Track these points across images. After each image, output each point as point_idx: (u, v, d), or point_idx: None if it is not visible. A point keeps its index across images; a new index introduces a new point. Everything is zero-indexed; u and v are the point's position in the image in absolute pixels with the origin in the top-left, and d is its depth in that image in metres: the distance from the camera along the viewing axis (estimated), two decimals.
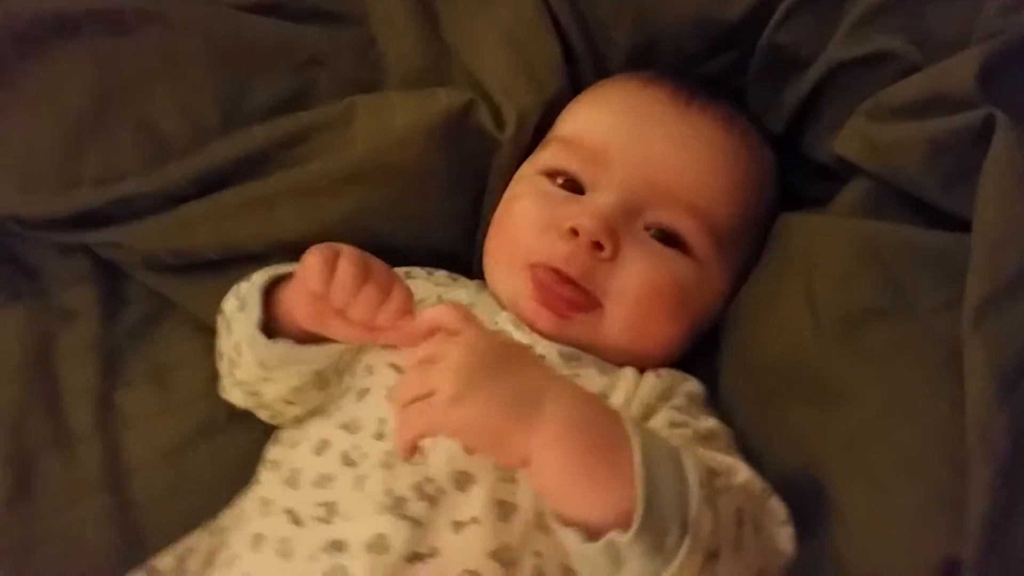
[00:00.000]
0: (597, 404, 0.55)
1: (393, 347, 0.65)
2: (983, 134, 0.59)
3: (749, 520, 0.55)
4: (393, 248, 0.73)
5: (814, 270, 0.67)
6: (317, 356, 0.66)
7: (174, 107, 0.79)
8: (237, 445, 0.75)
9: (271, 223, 0.77)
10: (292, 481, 0.65)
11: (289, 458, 0.68)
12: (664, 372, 0.68)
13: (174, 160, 0.78)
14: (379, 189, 0.78)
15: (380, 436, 0.64)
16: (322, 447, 0.65)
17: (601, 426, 0.52)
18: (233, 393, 0.72)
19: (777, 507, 0.58)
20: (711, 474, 0.54)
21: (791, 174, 0.79)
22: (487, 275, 0.75)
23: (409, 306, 0.61)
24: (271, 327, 0.66)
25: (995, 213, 0.57)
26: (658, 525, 0.49)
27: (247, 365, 0.67)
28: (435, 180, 0.79)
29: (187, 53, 0.80)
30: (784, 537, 0.58)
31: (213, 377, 0.75)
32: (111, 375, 0.78)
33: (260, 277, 0.68)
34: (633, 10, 0.81)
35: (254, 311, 0.65)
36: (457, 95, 0.79)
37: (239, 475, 0.72)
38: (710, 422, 0.65)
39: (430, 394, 0.53)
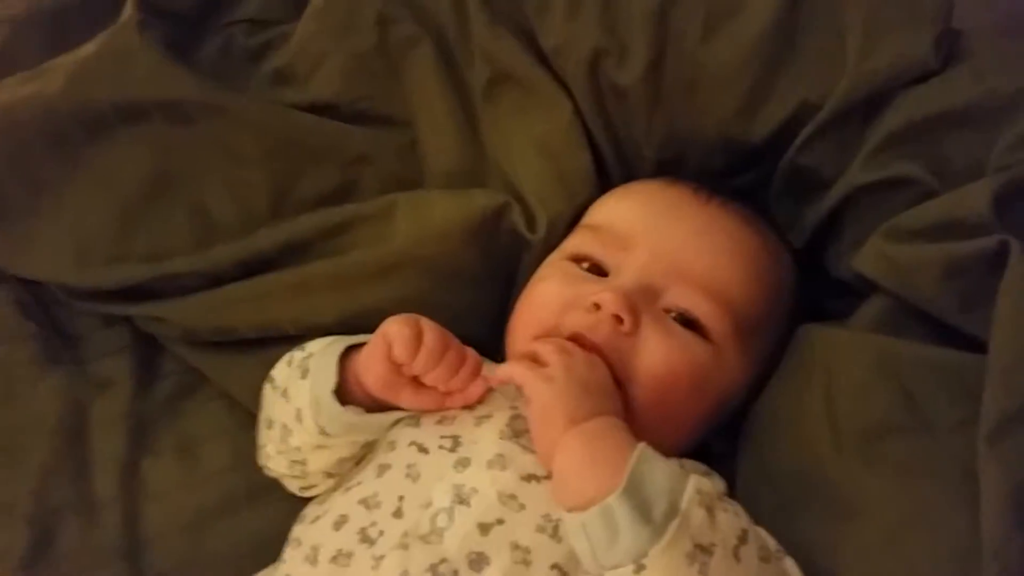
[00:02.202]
0: (628, 433, 0.62)
1: (417, 426, 0.70)
2: (998, 259, 0.62)
3: (755, 546, 0.58)
4: None
5: (833, 382, 0.69)
6: (378, 425, 0.70)
7: (226, 194, 0.84)
8: (255, 523, 0.77)
9: (308, 307, 0.80)
10: (312, 558, 0.66)
11: (309, 534, 0.69)
12: (688, 463, 0.70)
13: (222, 243, 0.82)
14: (414, 281, 0.81)
15: (398, 514, 0.65)
16: (340, 522, 0.67)
17: (624, 440, 0.61)
18: (277, 461, 0.74)
19: (792, 567, 0.60)
20: (720, 497, 0.58)
21: (812, 289, 0.81)
22: (508, 354, 0.77)
23: (479, 369, 0.69)
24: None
25: (1010, 336, 0.59)
26: (643, 495, 0.56)
27: (307, 432, 0.70)
28: (468, 275, 0.82)
29: (243, 145, 0.85)
30: None
31: (238, 453, 0.78)
32: (140, 445, 0.81)
33: (331, 347, 0.71)
34: (663, 130, 0.85)
35: (329, 377, 0.69)
36: (493, 196, 0.83)
37: (254, 553, 0.73)
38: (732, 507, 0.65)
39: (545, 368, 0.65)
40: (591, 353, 0.68)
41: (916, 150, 0.73)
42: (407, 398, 0.69)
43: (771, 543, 0.62)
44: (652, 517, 0.55)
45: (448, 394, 0.69)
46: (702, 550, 0.55)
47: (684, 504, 0.56)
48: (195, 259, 0.82)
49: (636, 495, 0.56)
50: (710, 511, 0.57)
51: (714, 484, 0.69)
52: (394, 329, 0.67)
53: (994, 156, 0.68)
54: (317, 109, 0.88)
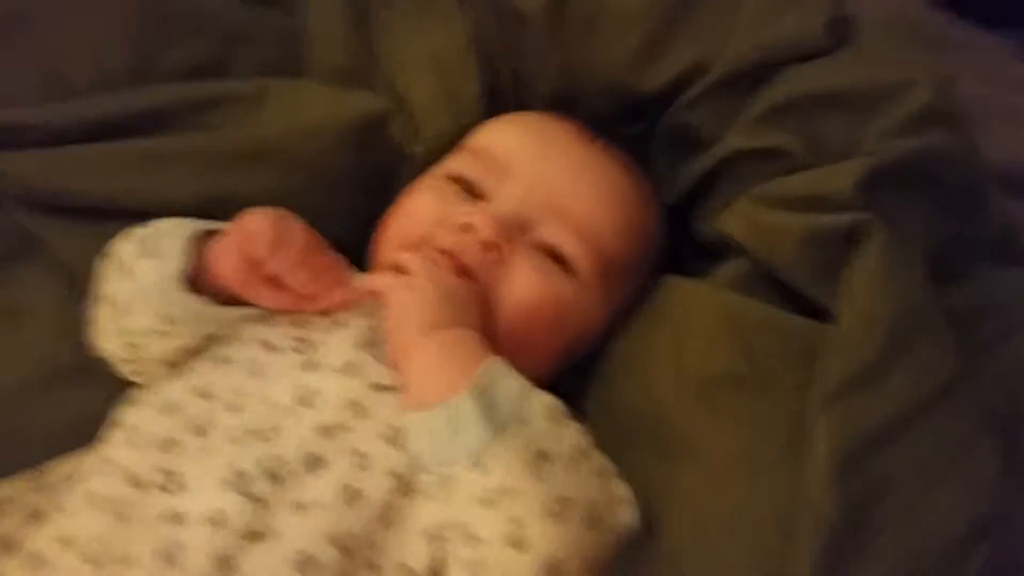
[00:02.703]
0: (485, 349, 0.62)
1: (268, 322, 0.67)
2: (854, 235, 0.65)
3: (594, 462, 0.60)
4: None
5: (684, 331, 0.70)
6: (226, 318, 0.66)
7: (85, 48, 0.78)
8: (78, 400, 0.72)
9: (161, 182, 0.75)
10: (135, 442, 0.62)
11: (133, 417, 0.65)
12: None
13: (73, 99, 0.76)
14: (281, 174, 0.77)
15: (234, 407, 0.63)
16: (170, 409, 0.63)
17: (479, 351, 0.62)
18: (109, 341, 0.69)
19: (623, 488, 0.62)
20: (562, 413, 0.60)
21: (676, 247, 0.83)
22: (372, 264, 0.75)
23: (345, 276, 0.66)
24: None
25: (855, 309, 0.62)
26: (491, 397, 0.58)
27: (145, 315, 0.65)
28: (338, 178, 0.79)
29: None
30: (625, 511, 0.61)
31: (66, 325, 0.72)
32: None
33: (181, 228, 0.67)
34: (557, 67, 0.85)
35: (174, 261, 0.64)
36: (375, 101, 0.80)
37: (76, 432, 0.68)
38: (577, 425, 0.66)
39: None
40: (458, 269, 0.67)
41: (794, 124, 0.75)
42: (262, 295, 0.66)
43: (610, 466, 0.63)
44: (496, 416, 0.57)
45: (307, 297, 0.66)
46: (542, 456, 0.57)
47: (530, 411, 0.58)
48: (41, 111, 0.75)
49: (483, 396, 0.58)
50: (555, 423, 0.59)
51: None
52: (256, 223, 0.64)
53: (865, 140, 0.71)
54: None
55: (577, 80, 0.85)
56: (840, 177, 0.68)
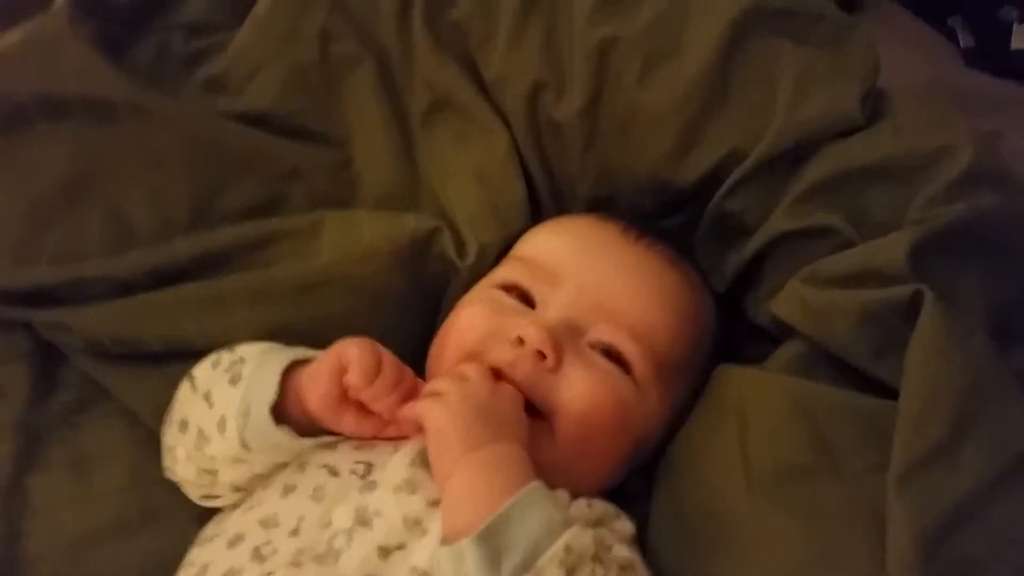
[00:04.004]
0: (525, 467, 0.61)
1: (334, 448, 0.68)
2: (911, 308, 0.64)
3: None
4: None
5: (747, 423, 0.69)
6: (303, 448, 0.67)
7: (146, 199, 0.81)
8: (146, 547, 0.73)
9: (223, 323, 0.77)
10: None
11: (202, 554, 0.66)
12: (597, 503, 0.69)
13: (137, 249, 0.79)
14: (337, 300, 0.79)
15: (295, 532, 0.63)
16: (235, 541, 0.64)
17: (516, 474, 0.60)
18: (185, 467, 0.71)
19: None
20: (594, 558, 0.57)
21: (730, 334, 0.82)
22: (427, 379, 0.75)
23: None
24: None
25: (920, 385, 0.61)
26: (500, 543, 0.55)
27: (228, 443, 0.67)
28: (393, 298, 0.81)
29: (167, 150, 0.82)
30: None
31: (134, 473, 0.75)
32: (28, 459, 0.76)
33: (270, 356, 0.69)
34: (596, 167, 0.86)
35: (269, 390, 0.66)
36: (424, 220, 0.83)
37: None
38: (631, 554, 0.65)
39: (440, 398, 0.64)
40: (497, 381, 0.67)
41: (837, 201, 0.75)
42: (348, 423, 0.67)
43: None
44: (500, 569, 0.54)
45: (390, 422, 0.67)
46: None
47: (542, 561, 0.55)
48: (107, 264, 0.78)
49: (491, 542, 0.55)
50: (571, 572, 0.55)
51: (622, 526, 0.68)
52: (354, 353, 0.65)
53: (911, 210, 0.70)
54: (250, 120, 0.86)
55: (615, 180, 0.86)
56: (889, 250, 0.67)
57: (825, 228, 0.75)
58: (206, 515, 0.73)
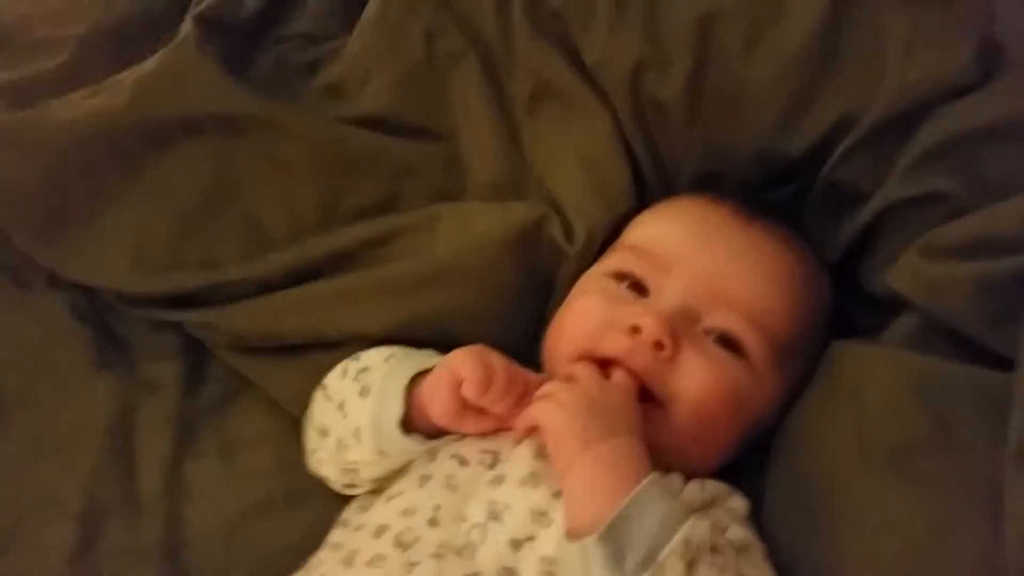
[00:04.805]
0: (640, 460, 0.63)
1: (461, 439, 0.72)
2: None
3: None
4: (463, 346, 0.77)
5: (863, 398, 0.69)
6: (432, 446, 0.72)
7: (278, 205, 0.88)
8: (293, 526, 0.79)
9: (354, 316, 0.83)
10: (348, 561, 0.68)
11: (349, 540, 0.71)
12: (710, 483, 0.70)
13: (272, 252, 0.86)
14: (456, 291, 0.83)
15: (434, 523, 0.67)
16: (381, 531, 0.69)
17: (633, 468, 0.62)
18: (328, 468, 0.77)
19: None
20: (713, 548, 0.59)
21: (845, 303, 0.81)
22: (547, 370, 0.78)
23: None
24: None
25: None
26: (623, 541, 0.57)
27: (364, 450, 0.73)
28: (507, 286, 0.84)
29: (293, 157, 0.88)
30: None
31: (279, 456, 0.81)
32: (184, 447, 0.84)
33: (394, 372, 0.74)
34: (702, 143, 0.86)
35: (395, 406, 0.71)
36: (533, 209, 0.85)
37: (292, 555, 0.74)
38: (746, 533, 0.66)
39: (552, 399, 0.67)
40: (607, 375, 0.69)
41: (953, 165, 0.73)
42: (469, 425, 0.71)
43: None
44: (624, 565, 0.57)
45: (508, 420, 0.71)
46: None
47: (663, 555, 0.57)
48: (246, 267, 0.85)
49: (615, 539, 0.57)
50: (691, 564, 0.57)
51: (736, 504, 0.69)
52: (466, 368, 0.69)
53: None
54: (366, 123, 0.91)
55: (721, 155, 0.86)
56: (1007, 217, 0.66)
57: (940, 194, 0.73)
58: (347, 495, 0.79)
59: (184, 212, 0.87)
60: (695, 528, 0.59)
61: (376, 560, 0.66)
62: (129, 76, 0.89)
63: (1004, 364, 0.63)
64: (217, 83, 0.88)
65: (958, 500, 0.61)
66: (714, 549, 0.60)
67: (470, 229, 0.85)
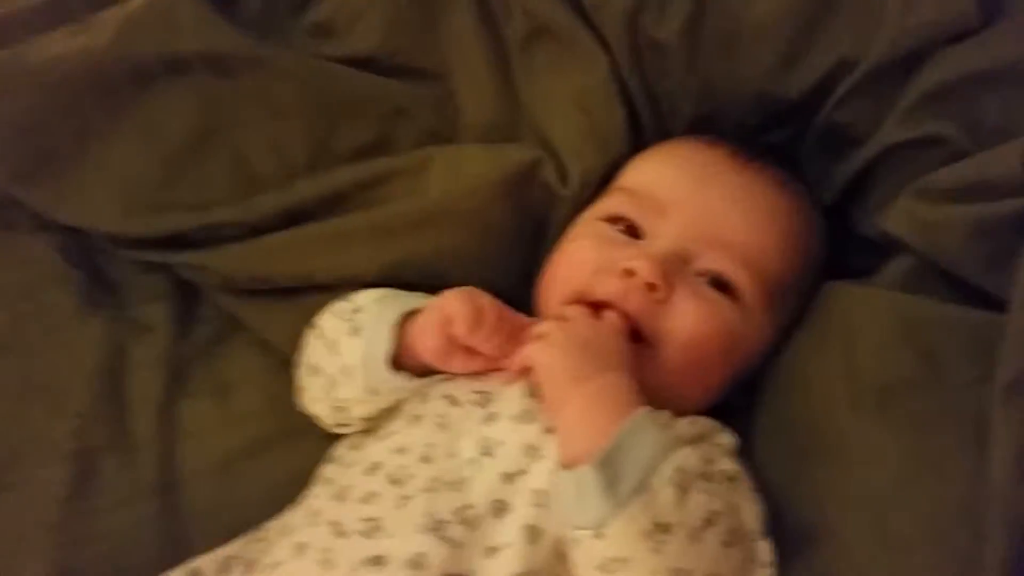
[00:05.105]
0: (632, 395, 0.64)
1: (452, 380, 0.73)
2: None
3: (723, 529, 0.59)
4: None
5: (854, 338, 0.70)
6: (420, 384, 0.73)
7: (266, 146, 0.86)
8: (285, 464, 0.80)
9: (346, 258, 0.83)
10: (340, 496, 0.69)
11: (343, 476, 0.72)
12: (699, 420, 0.71)
13: (262, 194, 0.85)
14: (448, 233, 0.83)
15: (426, 459, 0.68)
16: (374, 468, 0.70)
17: (624, 402, 0.63)
18: (317, 407, 0.78)
19: (763, 548, 0.62)
20: (703, 475, 0.60)
21: (839, 245, 0.81)
22: (539, 312, 0.78)
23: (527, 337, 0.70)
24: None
25: None
26: (617, 468, 0.58)
27: (352, 388, 0.73)
28: (501, 228, 0.84)
29: (283, 98, 0.87)
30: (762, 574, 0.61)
31: (271, 396, 0.82)
32: (176, 388, 0.84)
33: (384, 311, 0.74)
34: (698, 84, 0.85)
35: (379, 343, 0.72)
36: (526, 151, 0.85)
37: (284, 492, 0.76)
38: (735, 466, 0.67)
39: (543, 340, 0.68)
40: (597, 316, 0.70)
41: (951, 109, 0.73)
42: (456, 364, 0.71)
43: (749, 525, 0.63)
44: (619, 490, 0.58)
45: (497, 358, 0.71)
46: (661, 528, 0.58)
47: (655, 481, 0.58)
48: (236, 209, 0.84)
49: (610, 466, 0.59)
50: (683, 490, 0.59)
51: (724, 439, 0.70)
52: (456, 307, 0.69)
53: None
54: (356, 62, 0.89)
55: (719, 96, 0.85)
56: (1004, 160, 0.65)
57: (937, 138, 0.73)
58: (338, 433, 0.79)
59: (172, 153, 0.86)
60: (687, 456, 0.60)
61: (369, 497, 0.67)
62: (114, 14, 0.87)
63: (996, 306, 0.63)
64: (204, 21, 0.86)
65: (945, 436, 0.62)
66: (705, 477, 0.61)
67: (463, 171, 0.84)
